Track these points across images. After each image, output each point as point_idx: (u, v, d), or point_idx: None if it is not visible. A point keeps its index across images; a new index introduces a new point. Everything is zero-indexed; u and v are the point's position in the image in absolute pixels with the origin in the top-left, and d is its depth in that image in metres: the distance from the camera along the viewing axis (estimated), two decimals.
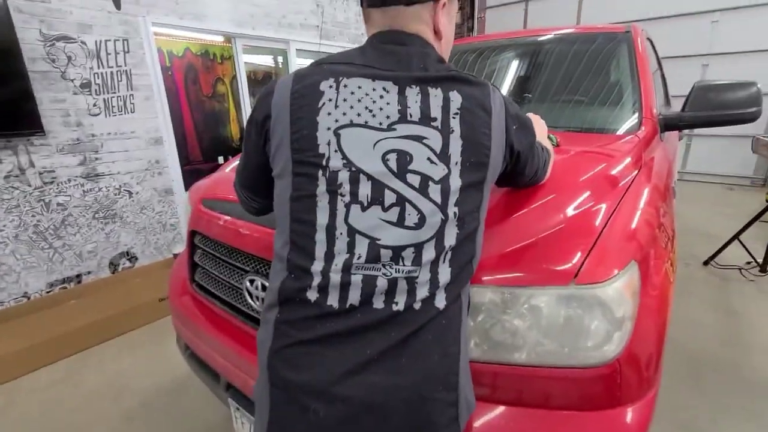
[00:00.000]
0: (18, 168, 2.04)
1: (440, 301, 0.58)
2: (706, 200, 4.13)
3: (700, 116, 1.42)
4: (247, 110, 3.21)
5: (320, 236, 0.56)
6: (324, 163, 0.56)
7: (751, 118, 1.43)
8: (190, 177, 2.90)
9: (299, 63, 3.50)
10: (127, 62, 2.38)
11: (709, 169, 4.74)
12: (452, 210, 0.58)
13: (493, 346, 0.78)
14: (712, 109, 1.45)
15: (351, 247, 0.56)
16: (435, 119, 0.58)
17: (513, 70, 1.77)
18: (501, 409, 0.79)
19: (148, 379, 1.80)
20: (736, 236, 2.54)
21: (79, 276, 2.34)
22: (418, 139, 0.57)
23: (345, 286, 0.56)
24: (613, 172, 1.08)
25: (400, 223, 0.56)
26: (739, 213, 3.47)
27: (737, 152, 4.33)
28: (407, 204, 0.56)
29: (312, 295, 0.56)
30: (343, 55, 0.65)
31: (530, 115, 1.13)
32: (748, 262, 2.51)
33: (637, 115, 1.38)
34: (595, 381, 0.76)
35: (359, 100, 0.57)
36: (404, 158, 0.57)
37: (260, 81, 3.37)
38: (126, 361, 1.93)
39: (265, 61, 3.39)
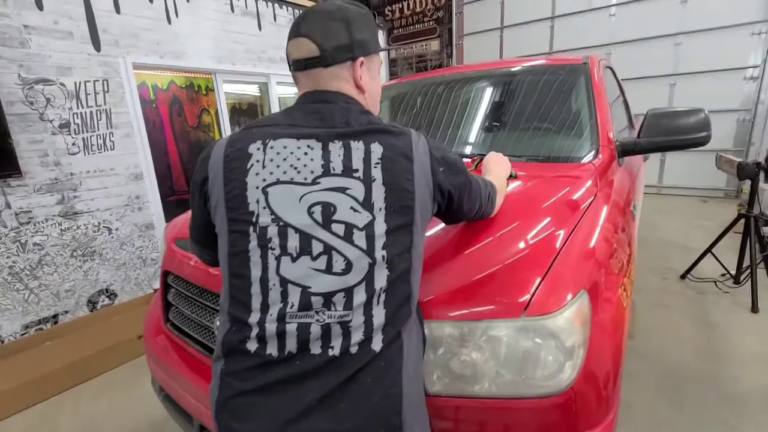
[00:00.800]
0: None
1: (377, 343, 0.60)
2: (682, 213, 4.25)
3: (655, 141, 1.49)
4: None
5: (255, 289, 0.59)
6: (254, 220, 0.60)
7: (702, 142, 1.52)
8: (177, 207, 2.92)
9: (280, 92, 3.60)
10: (107, 101, 2.42)
11: (685, 182, 4.90)
12: (380, 253, 0.61)
13: (454, 380, 0.80)
14: (666, 134, 1.53)
15: (284, 296, 0.59)
16: (357, 170, 0.62)
17: (477, 102, 1.85)
18: None
19: (124, 420, 1.75)
20: (709, 249, 2.61)
21: (56, 316, 2.30)
22: (341, 190, 0.61)
23: (281, 335, 0.58)
24: (568, 200, 1.13)
25: (328, 270, 0.59)
26: (714, 225, 3.57)
27: (709, 166, 4.50)
28: (334, 252, 0.59)
29: (252, 345, 0.59)
30: (270, 117, 0.70)
31: (492, 153, 1.19)
32: (723, 274, 2.58)
33: (593, 143, 1.45)
34: (551, 410, 0.78)
35: (284, 159, 0.62)
36: (328, 209, 0.60)
37: (245, 110, 3.44)
38: (103, 402, 1.88)
39: (251, 90, 3.48)
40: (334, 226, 0.60)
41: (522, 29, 5.82)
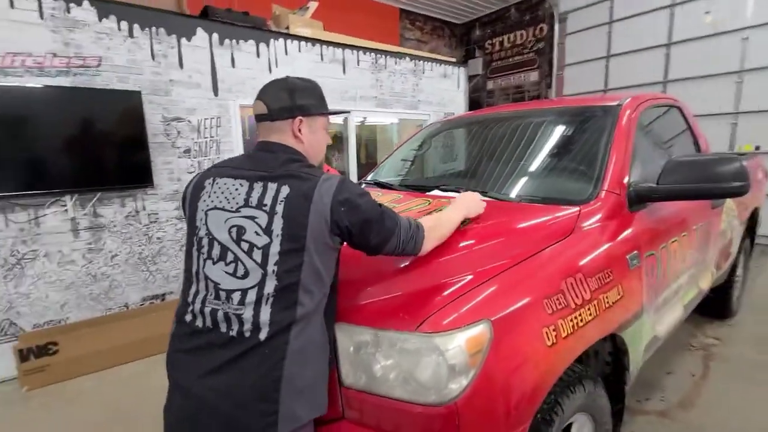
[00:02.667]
0: (135, 210, 2.81)
1: (263, 335, 0.84)
2: None
3: (677, 189, 1.42)
4: None
5: (192, 279, 0.90)
6: (197, 232, 0.90)
7: (739, 193, 1.40)
8: None
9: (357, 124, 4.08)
10: (218, 134, 3.14)
11: None
12: (271, 268, 0.85)
13: (363, 377, 0.97)
14: (694, 181, 1.45)
15: (206, 288, 0.87)
16: (266, 205, 0.87)
17: (498, 140, 1.94)
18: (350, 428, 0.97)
19: None
20: None
21: (164, 294, 3.01)
22: (252, 218, 0.87)
23: (203, 314, 0.86)
24: (520, 240, 1.20)
25: (233, 274, 0.86)
26: None
27: None
28: (239, 262, 0.86)
29: (188, 317, 0.88)
30: (228, 160, 1.01)
31: (465, 194, 1.30)
32: None
33: (595, 187, 1.44)
34: (434, 419, 0.90)
35: (222, 192, 0.91)
36: (241, 231, 0.87)
37: (334, 140, 3.99)
38: None
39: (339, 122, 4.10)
40: (242, 244, 0.86)
41: (631, 57, 5.41)
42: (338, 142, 4.08)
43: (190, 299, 0.90)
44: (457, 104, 4.88)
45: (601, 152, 1.56)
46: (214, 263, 0.87)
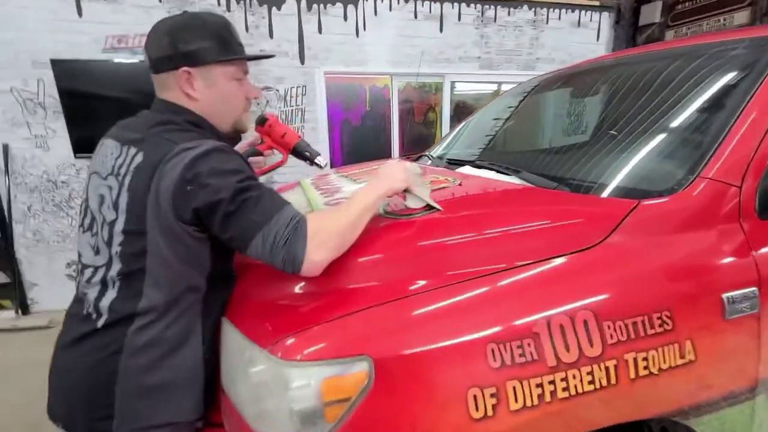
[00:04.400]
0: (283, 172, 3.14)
1: (101, 321, 0.72)
2: None
3: None
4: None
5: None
6: (85, 197, 0.81)
7: None
8: None
9: (460, 91, 3.64)
10: (303, 102, 3.20)
11: None
12: (116, 249, 0.72)
13: (231, 387, 0.80)
14: None
15: (78, 256, 0.79)
16: (120, 174, 0.73)
17: (608, 96, 1.36)
18: None
19: None
20: None
21: None
22: (109, 188, 0.74)
23: (78, 282, 0.80)
24: (482, 247, 0.80)
25: (93, 248, 0.76)
26: None
27: None
28: (98, 236, 0.74)
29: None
30: (129, 119, 0.85)
31: (389, 163, 0.92)
32: None
33: (687, 170, 0.87)
34: None
35: (101, 155, 0.79)
36: (101, 200, 0.75)
37: (464, 109, 3.69)
38: None
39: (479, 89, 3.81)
40: (99, 216, 0.75)
41: None
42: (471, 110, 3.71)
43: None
44: None
45: (721, 116, 0.92)
46: (83, 231, 0.80)
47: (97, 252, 0.75)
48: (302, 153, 1.10)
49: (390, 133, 3.57)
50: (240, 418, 0.73)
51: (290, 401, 0.63)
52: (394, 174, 0.87)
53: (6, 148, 2.75)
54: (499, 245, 0.79)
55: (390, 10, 3.23)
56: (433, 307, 0.68)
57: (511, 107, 1.86)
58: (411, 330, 0.67)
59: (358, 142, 3.56)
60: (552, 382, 0.67)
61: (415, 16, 3.30)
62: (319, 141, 3.30)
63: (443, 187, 1.08)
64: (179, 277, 0.74)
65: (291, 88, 3.16)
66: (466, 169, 1.38)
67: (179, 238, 0.72)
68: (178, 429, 0.78)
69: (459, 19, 3.40)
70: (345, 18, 3.16)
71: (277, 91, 3.13)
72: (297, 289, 0.80)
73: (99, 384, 0.72)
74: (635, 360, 0.71)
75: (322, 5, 3.10)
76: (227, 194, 0.69)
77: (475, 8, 3.43)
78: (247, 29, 2.98)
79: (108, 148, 0.80)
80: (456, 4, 3.37)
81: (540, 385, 0.66)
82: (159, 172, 0.70)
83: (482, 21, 3.47)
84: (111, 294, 0.73)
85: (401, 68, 3.35)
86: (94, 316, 0.74)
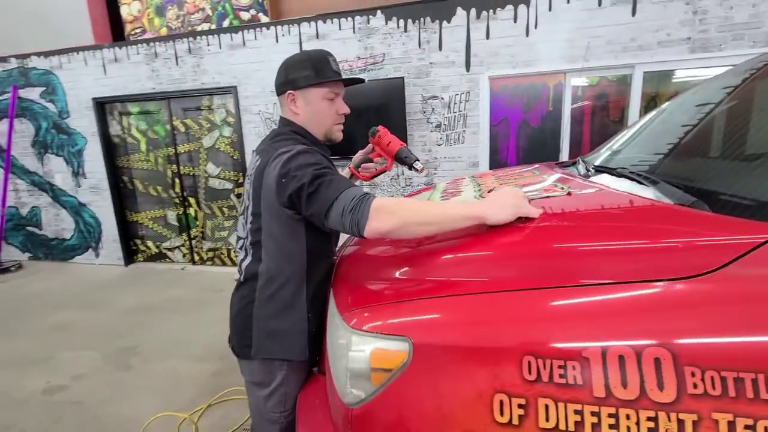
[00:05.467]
0: (396, 175, 3.54)
1: (242, 277, 1.06)
2: None
3: None
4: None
5: None
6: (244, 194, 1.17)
7: None
8: None
9: (675, 83, 3.00)
10: (466, 108, 3.30)
11: None
12: (248, 226, 1.04)
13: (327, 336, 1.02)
14: None
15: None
16: (251, 174, 1.04)
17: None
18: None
19: None
20: None
21: None
22: (249, 184, 1.06)
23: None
24: (559, 261, 0.77)
25: (242, 225, 1.10)
26: None
27: None
28: (244, 216, 1.08)
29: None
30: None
31: (502, 190, 0.95)
32: None
33: None
34: (338, 411, 0.84)
35: (251, 162, 1.13)
36: (246, 193, 1.08)
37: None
38: None
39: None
40: (245, 203, 1.09)
41: None
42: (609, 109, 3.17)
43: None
44: None
45: None
46: (240, 215, 1.17)
47: (243, 228, 1.10)
48: (403, 158, 1.21)
49: (560, 134, 3.27)
50: (329, 369, 0.94)
51: (349, 360, 0.80)
52: (501, 206, 0.86)
53: (253, 153, 3.91)
54: (561, 262, 0.75)
55: (567, 2, 2.97)
56: (472, 308, 0.73)
57: (709, 100, 1.50)
58: (449, 324, 0.73)
59: (536, 143, 3.37)
60: (596, 414, 0.61)
61: (599, 4, 2.92)
62: (480, 144, 3.34)
63: (546, 197, 1.03)
64: (283, 249, 1.01)
65: (455, 95, 3.31)
66: (602, 178, 1.24)
67: (282, 219, 0.99)
68: (291, 365, 1.05)
69: None
70: (515, 20, 3.09)
71: (442, 99, 3.34)
72: (375, 274, 0.95)
73: (243, 321, 1.06)
74: (732, 424, 0.57)
75: (491, 11, 3.12)
76: (307, 180, 0.90)
77: None
78: (419, 45, 3.30)
79: (253, 156, 1.14)
80: None
81: (580, 413, 0.62)
82: (266, 171, 0.98)
83: None
84: (247, 258, 1.06)
85: (578, 64, 3.03)
86: (239, 273, 1.09)
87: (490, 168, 3.41)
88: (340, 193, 0.89)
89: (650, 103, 3.05)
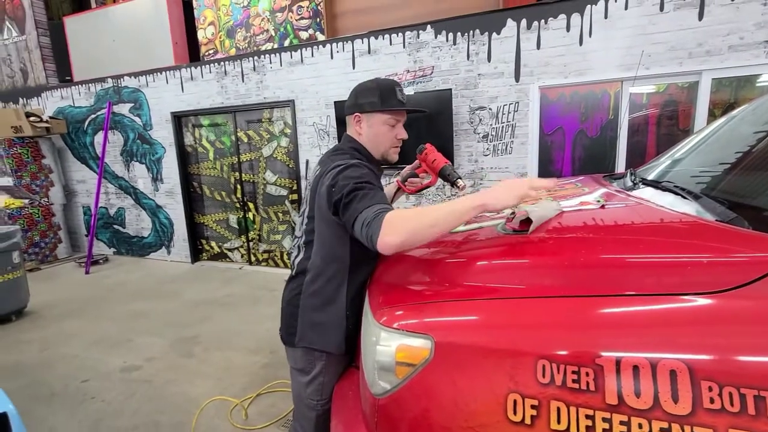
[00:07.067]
0: (443, 184, 3.58)
1: (294, 272, 1.19)
2: None
3: None
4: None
5: None
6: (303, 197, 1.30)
7: None
8: None
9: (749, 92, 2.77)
10: (514, 118, 3.27)
11: None
12: (304, 227, 1.16)
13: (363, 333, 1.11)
14: None
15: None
16: (311, 181, 1.16)
17: None
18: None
19: None
20: None
21: None
22: (309, 190, 1.18)
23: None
24: (579, 271, 0.79)
25: (298, 225, 1.22)
26: None
27: None
28: (301, 217, 1.21)
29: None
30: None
31: (507, 181, 1.01)
32: None
33: None
34: (367, 401, 0.92)
35: (314, 172, 1.24)
36: (306, 197, 1.20)
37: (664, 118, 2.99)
38: None
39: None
40: (303, 206, 1.22)
41: None
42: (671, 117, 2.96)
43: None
44: None
45: None
46: (298, 216, 1.30)
47: (299, 228, 1.23)
48: (446, 176, 1.26)
49: (617, 144, 3.12)
50: (362, 362, 1.02)
51: (377, 354, 0.87)
52: (502, 191, 0.95)
53: (307, 162, 4.15)
54: (579, 272, 0.77)
55: (626, 8, 2.86)
56: (490, 312, 0.77)
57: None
58: (469, 326, 0.78)
59: (593, 153, 3.23)
60: (607, 420, 0.64)
61: (661, 9, 2.78)
62: (528, 155, 3.29)
63: (579, 209, 1.04)
64: (330, 250, 1.12)
65: (503, 105, 3.30)
66: (645, 192, 1.21)
67: (331, 224, 1.09)
68: (330, 358, 1.15)
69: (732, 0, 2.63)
70: (567, 29, 3.03)
71: (490, 109, 3.34)
72: (404, 278, 1.03)
73: (290, 311, 1.19)
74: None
75: (542, 21, 3.08)
76: (346, 191, 0.99)
77: None
78: (468, 57, 3.34)
79: (315, 166, 1.27)
80: None
81: (591, 417, 0.65)
82: (322, 180, 1.09)
83: None
84: (300, 255, 1.19)
85: (634, 72, 2.89)
86: (291, 268, 1.21)
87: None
88: (367, 207, 0.95)
89: (726, 110, 2.82)
